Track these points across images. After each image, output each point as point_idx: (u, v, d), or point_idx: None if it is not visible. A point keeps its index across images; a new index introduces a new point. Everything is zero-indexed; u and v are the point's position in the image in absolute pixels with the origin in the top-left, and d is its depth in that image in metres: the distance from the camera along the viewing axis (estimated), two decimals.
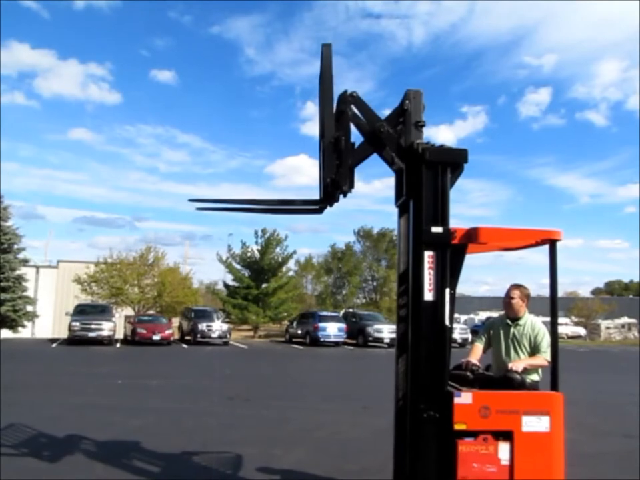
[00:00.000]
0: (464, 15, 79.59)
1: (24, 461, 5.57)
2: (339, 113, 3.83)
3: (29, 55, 71.91)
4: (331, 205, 4.06)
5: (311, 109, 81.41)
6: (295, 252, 36.97)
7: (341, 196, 3.92)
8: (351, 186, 3.81)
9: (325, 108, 3.84)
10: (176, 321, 30.06)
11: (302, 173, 69.93)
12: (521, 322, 4.29)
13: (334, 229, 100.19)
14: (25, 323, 29.17)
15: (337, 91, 3.90)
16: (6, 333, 27.25)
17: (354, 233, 47.63)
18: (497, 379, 4.01)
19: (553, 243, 3.82)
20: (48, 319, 32.44)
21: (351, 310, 36.27)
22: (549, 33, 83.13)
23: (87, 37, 77.47)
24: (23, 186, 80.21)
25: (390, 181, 4.08)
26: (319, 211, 4.18)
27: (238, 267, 35.73)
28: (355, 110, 3.88)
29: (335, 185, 3.75)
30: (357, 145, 3.90)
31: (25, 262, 30.25)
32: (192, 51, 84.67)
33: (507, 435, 3.50)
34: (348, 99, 3.85)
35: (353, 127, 3.90)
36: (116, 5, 75.81)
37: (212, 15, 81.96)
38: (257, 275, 34.96)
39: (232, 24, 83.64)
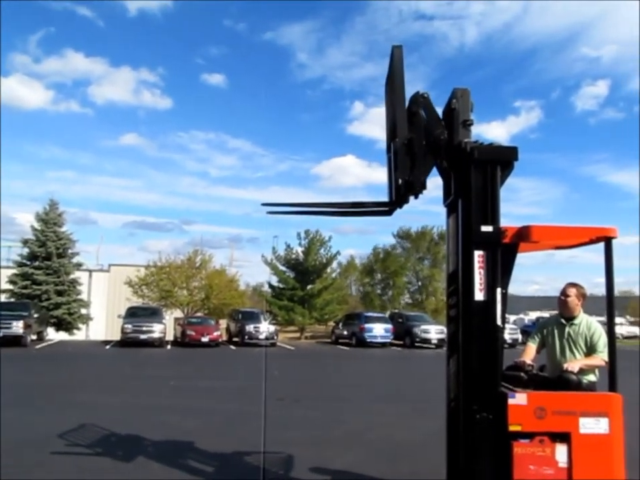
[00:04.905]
0: (518, 13, 77.53)
1: (82, 460, 5.79)
2: (411, 114, 3.81)
3: (83, 63, 74.14)
4: (401, 207, 4.04)
5: (359, 108, 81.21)
6: (338, 253, 37.07)
7: (412, 197, 3.92)
8: (424, 187, 3.79)
9: (397, 109, 3.80)
10: (224, 323, 30.52)
11: (348, 174, 69.70)
12: (576, 321, 4.18)
13: (381, 230, 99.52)
14: (80, 325, 30.32)
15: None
16: (62, 335, 28.33)
17: (393, 235, 47.36)
18: (552, 379, 3.94)
19: (608, 241, 3.74)
20: (101, 321, 33.51)
21: (396, 311, 36.00)
22: (608, 26, 79.48)
23: (139, 44, 79.10)
24: (80, 193, 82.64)
25: (438, 180, 4.06)
26: (389, 212, 4.18)
27: (283, 268, 36.07)
28: (422, 112, 3.86)
29: (409, 186, 3.74)
30: None
31: (78, 266, 31.44)
32: (244, 57, 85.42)
33: (564, 437, 3.44)
34: (419, 99, 3.84)
35: None
36: (169, 11, 76.86)
37: (266, 22, 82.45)
38: (302, 277, 35.22)
39: (285, 30, 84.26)
